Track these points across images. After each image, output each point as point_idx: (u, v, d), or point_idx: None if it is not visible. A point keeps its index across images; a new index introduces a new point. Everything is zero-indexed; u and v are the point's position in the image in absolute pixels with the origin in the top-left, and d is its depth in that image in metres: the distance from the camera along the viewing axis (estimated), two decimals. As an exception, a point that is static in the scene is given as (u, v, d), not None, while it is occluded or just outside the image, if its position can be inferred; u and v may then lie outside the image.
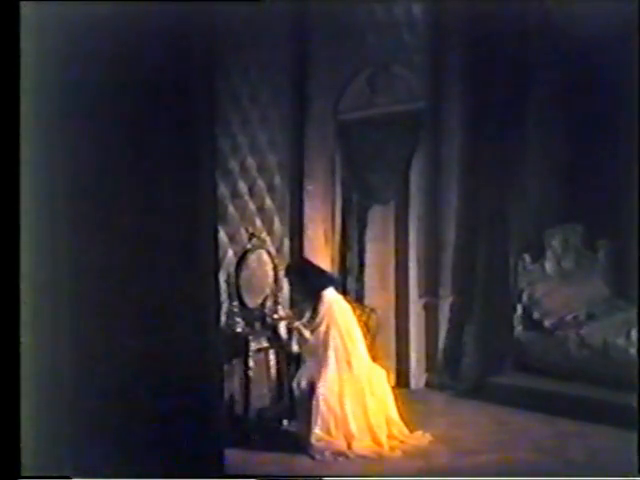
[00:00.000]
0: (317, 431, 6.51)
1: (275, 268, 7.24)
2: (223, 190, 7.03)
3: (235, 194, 7.20)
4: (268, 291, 7.22)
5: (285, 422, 7.06)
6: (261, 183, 7.41)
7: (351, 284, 8.04)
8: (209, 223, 5.19)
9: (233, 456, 5.90)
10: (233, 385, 6.85)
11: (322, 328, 6.71)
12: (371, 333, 7.34)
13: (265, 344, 7.06)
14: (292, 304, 7.43)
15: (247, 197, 7.32)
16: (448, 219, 8.29)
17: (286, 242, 7.60)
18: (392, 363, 8.06)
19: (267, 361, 7.16)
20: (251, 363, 6.86)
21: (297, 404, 6.77)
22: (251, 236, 7.16)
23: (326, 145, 7.75)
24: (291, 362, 7.07)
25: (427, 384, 8.31)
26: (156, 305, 4.91)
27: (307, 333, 6.75)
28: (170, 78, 4.86)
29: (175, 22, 4.74)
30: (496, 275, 8.23)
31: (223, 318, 6.83)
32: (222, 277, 6.82)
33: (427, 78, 8.18)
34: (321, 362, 6.66)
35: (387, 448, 6.58)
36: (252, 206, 7.35)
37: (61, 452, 4.73)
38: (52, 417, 4.71)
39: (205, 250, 5.10)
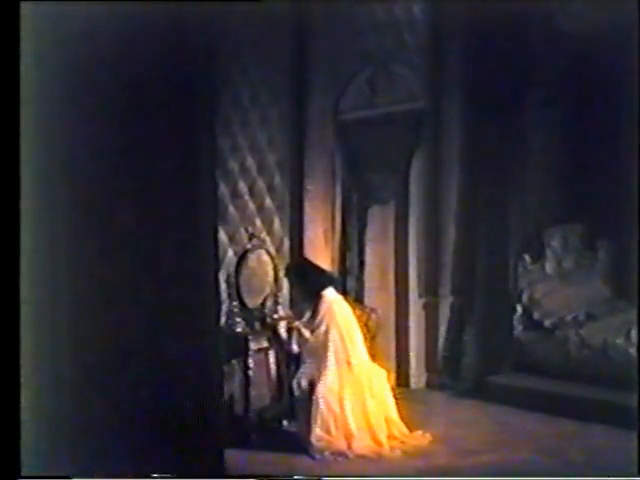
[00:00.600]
0: (317, 431, 6.50)
1: (275, 268, 7.24)
2: (223, 190, 7.03)
3: (235, 194, 7.20)
4: (268, 291, 7.22)
5: (285, 422, 7.06)
6: (261, 183, 7.41)
7: (351, 284, 8.05)
8: (209, 223, 5.20)
9: (233, 456, 5.90)
10: (233, 385, 6.84)
11: (322, 328, 6.70)
12: (371, 333, 7.34)
13: (265, 344, 7.06)
14: (292, 304, 7.44)
15: (247, 197, 7.32)
16: (448, 219, 8.30)
17: (286, 242, 7.60)
18: (392, 363, 8.06)
19: (267, 361, 7.16)
20: (251, 363, 6.86)
21: (297, 404, 6.77)
22: (251, 236, 7.16)
23: (326, 145, 7.75)
24: (291, 362, 7.06)
25: (427, 384, 8.31)
26: (156, 305, 4.91)
27: (307, 333, 6.75)
28: (170, 78, 4.86)
29: (175, 22, 4.74)
30: (496, 275, 8.23)
31: (223, 318, 6.83)
32: (222, 277, 6.81)
33: (427, 78, 8.18)
34: (321, 362, 6.66)
35: (387, 448, 6.57)
36: (252, 206, 7.35)
37: (61, 452, 4.73)
38: (52, 417, 4.71)
39: (205, 250, 5.10)
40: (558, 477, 6.03)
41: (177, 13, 4.74)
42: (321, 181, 7.75)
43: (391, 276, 8.31)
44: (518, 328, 8.19)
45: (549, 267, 8.53)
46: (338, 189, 7.90)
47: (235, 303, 6.98)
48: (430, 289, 8.35)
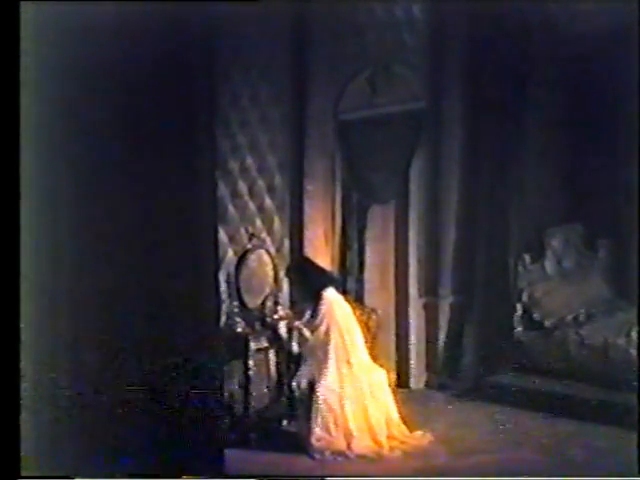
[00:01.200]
0: (317, 431, 6.50)
1: (275, 268, 7.24)
2: (223, 190, 7.02)
3: (235, 194, 7.20)
4: (268, 291, 7.22)
5: (285, 422, 7.06)
6: (261, 183, 7.40)
7: (351, 284, 8.04)
8: (209, 223, 5.20)
9: (233, 456, 5.90)
10: (233, 385, 6.84)
11: (322, 328, 6.71)
12: (371, 333, 7.34)
13: (265, 344, 7.05)
14: (292, 304, 7.43)
15: (247, 197, 7.31)
16: (448, 219, 8.29)
17: (286, 242, 7.59)
18: (392, 363, 8.05)
19: (267, 361, 7.16)
20: (251, 363, 6.86)
21: (297, 404, 6.78)
22: (251, 236, 7.16)
23: (326, 145, 7.74)
24: (291, 362, 7.06)
25: (427, 384, 8.30)
26: (156, 305, 4.91)
27: (307, 333, 6.75)
28: (170, 78, 4.86)
29: (175, 22, 4.75)
30: (496, 275, 8.23)
31: (223, 318, 6.83)
32: (222, 277, 6.82)
33: (427, 78, 8.18)
34: (321, 362, 6.66)
35: (387, 448, 6.57)
36: (252, 206, 7.34)
37: (61, 452, 4.74)
38: (52, 417, 4.72)
39: (205, 250, 5.10)
40: (558, 477, 6.02)
41: (177, 13, 4.75)
42: (321, 181, 7.75)
43: (391, 276, 8.30)
44: (518, 328, 8.18)
45: (549, 267, 8.52)
46: (338, 189, 7.90)
47: (235, 303, 6.98)
48: (430, 289, 8.34)
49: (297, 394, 6.72)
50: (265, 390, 7.13)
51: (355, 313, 6.98)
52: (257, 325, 7.10)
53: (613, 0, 7.37)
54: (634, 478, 5.41)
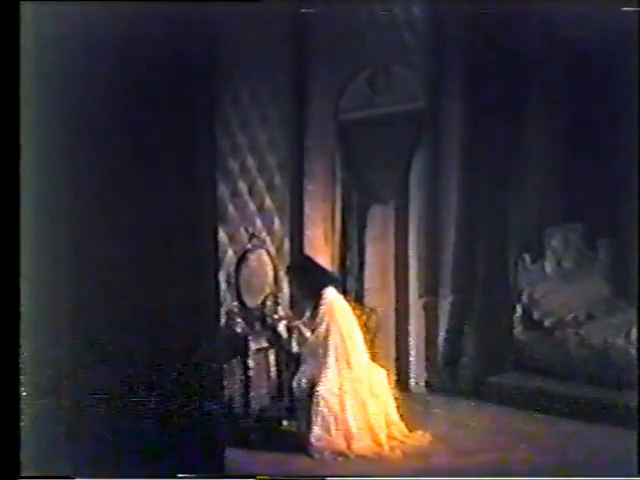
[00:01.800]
0: (317, 431, 6.50)
1: (275, 268, 7.24)
2: (223, 190, 7.02)
3: (235, 194, 7.20)
4: (268, 291, 7.22)
5: (285, 422, 7.05)
6: (261, 183, 7.40)
7: (351, 284, 8.04)
8: (209, 223, 5.20)
9: (233, 456, 5.90)
10: (233, 385, 6.84)
11: (322, 327, 6.70)
12: (371, 333, 7.34)
13: (265, 344, 7.05)
14: (292, 304, 7.43)
15: (247, 197, 7.31)
16: (448, 219, 8.29)
17: (286, 242, 7.59)
18: (392, 363, 8.05)
19: (267, 361, 7.16)
20: (251, 363, 6.86)
21: (297, 404, 6.77)
22: (251, 236, 7.16)
23: (326, 145, 7.74)
24: (291, 362, 7.06)
25: (427, 384, 8.30)
26: (156, 305, 4.91)
27: (307, 332, 6.75)
28: (170, 78, 4.86)
29: (175, 22, 4.75)
30: (496, 275, 8.23)
31: (223, 318, 6.83)
32: (222, 277, 6.82)
33: (427, 78, 8.18)
34: (321, 362, 6.66)
35: (387, 448, 6.57)
36: (252, 206, 7.34)
37: (61, 452, 4.74)
38: (52, 417, 4.72)
39: (205, 250, 5.11)
40: (558, 477, 6.02)
41: (177, 13, 4.75)
42: (321, 181, 7.75)
43: (391, 276, 8.30)
44: (518, 328, 8.18)
45: (549, 267, 8.52)
46: (338, 189, 7.89)
47: (235, 303, 6.98)
48: (430, 289, 8.34)
49: (297, 394, 6.72)
50: (265, 390, 7.13)
51: (355, 313, 6.98)
52: (257, 325, 7.10)
53: (613, 0, 7.37)
54: (634, 478, 5.41)
